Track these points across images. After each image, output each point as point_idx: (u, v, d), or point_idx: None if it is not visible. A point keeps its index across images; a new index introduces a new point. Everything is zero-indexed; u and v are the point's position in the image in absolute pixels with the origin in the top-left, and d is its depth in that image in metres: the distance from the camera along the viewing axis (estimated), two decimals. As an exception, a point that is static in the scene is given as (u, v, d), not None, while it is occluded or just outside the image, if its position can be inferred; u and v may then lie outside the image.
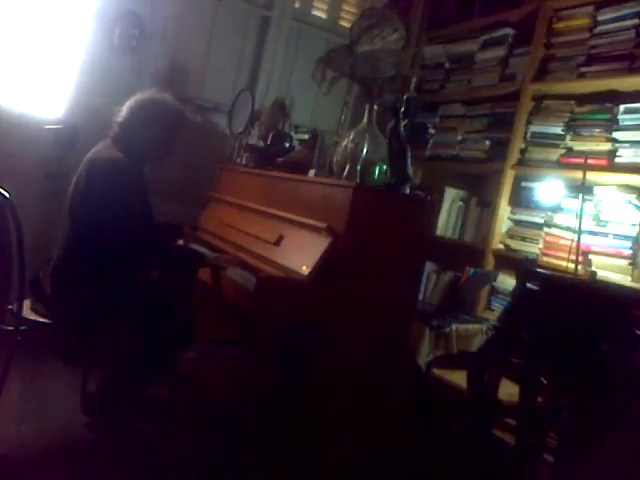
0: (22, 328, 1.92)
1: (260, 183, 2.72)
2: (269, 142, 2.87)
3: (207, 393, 2.52)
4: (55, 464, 2.00)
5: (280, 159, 2.76)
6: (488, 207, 3.11)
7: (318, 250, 2.02)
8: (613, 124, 2.54)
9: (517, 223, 2.93)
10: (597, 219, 2.54)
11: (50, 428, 2.20)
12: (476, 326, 2.67)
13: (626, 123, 2.49)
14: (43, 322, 2.04)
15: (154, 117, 2.20)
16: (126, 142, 2.17)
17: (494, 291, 2.95)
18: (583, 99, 2.70)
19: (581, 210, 2.41)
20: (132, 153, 2.16)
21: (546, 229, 2.74)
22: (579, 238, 2.38)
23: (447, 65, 3.49)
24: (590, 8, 2.69)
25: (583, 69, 2.69)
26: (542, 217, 2.78)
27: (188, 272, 2.38)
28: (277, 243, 2.25)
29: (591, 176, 2.45)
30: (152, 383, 2.29)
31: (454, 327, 2.59)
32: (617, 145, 2.52)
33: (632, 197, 2.42)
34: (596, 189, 2.57)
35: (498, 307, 2.90)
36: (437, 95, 3.53)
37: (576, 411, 1.75)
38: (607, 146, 2.55)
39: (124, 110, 2.20)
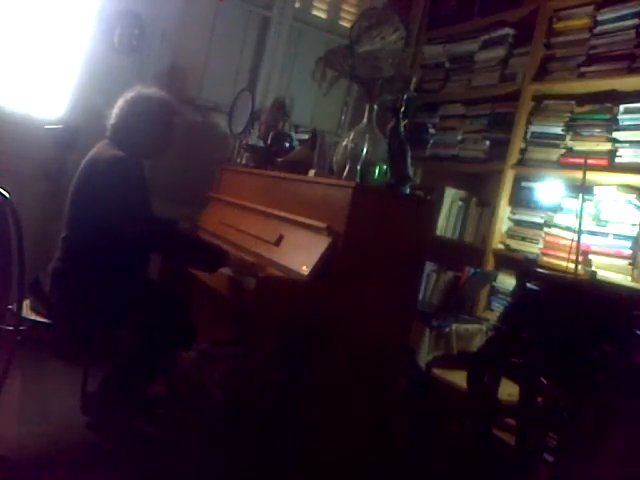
0: (22, 328, 1.92)
1: (260, 183, 2.72)
2: (269, 142, 2.87)
3: (207, 393, 2.52)
4: (55, 464, 2.00)
5: (280, 159, 2.76)
6: (488, 207, 3.11)
7: (318, 250, 2.01)
8: (613, 124, 2.53)
9: (517, 223, 2.93)
10: (597, 219, 2.53)
11: (50, 428, 2.20)
12: (476, 326, 2.67)
13: (626, 123, 2.49)
14: (43, 322, 2.04)
15: (145, 111, 2.22)
16: (125, 140, 2.18)
17: (494, 291, 2.94)
18: (583, 99, 2.70)
19: (581, 210, 2.41)
20: (133, 150, 2.17)
21: (546, 229, 2.74)
22: (579, 238, 2.38)
23: (447, 65, 3.49)
24: (590, 8, 2.70)
25: (583, 69, 2.69)
26: (542, 217, 2.78)
27: (205, 264, 2.19)
28: (277, 243, 2.25)
29: (591, 176, 2.45)
30: (152, 383, 2.29)
31: (454, 327, 2.59)
32: (617, 145, 2.52)
33: (632, 197, 2.42)
34: (596, 189, 2.57)
35: (498, 307, 2.89)
36: (437, 95, 3.52)
37: (576, 411, 1.75)
38: (607, 146, 2.54)
39: (115, 111, 2.22)
